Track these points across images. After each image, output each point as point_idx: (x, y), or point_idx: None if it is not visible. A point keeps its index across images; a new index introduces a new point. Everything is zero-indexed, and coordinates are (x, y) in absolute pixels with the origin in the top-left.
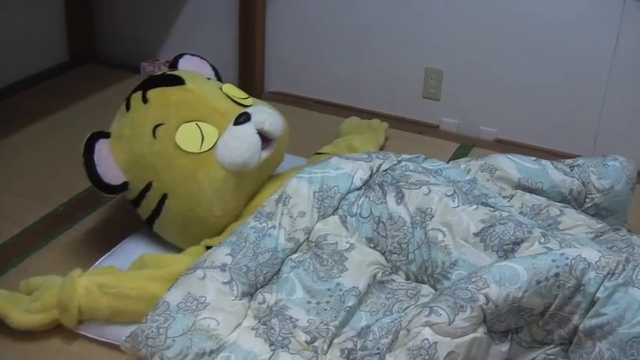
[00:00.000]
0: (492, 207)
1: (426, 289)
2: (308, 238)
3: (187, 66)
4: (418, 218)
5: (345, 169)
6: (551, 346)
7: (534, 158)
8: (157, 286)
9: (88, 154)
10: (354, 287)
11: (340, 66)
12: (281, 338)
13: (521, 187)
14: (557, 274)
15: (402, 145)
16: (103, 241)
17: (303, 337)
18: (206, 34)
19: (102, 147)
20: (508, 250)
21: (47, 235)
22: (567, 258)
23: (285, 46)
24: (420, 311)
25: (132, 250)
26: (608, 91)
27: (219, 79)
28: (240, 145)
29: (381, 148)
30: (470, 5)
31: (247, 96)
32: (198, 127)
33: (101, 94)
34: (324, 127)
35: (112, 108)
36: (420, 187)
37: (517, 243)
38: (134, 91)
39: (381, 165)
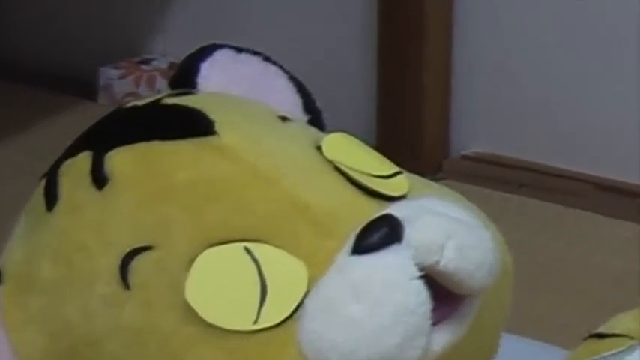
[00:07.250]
0: None
1: None
2: None
3: (224, 79)
4: None
5: None
6: None
7: None
8: None
9: None
10: None
11: None
12: None
13: None
14: None
15: None
16: None
17: None
18: (285, 6)
19: None
20: None
21: None
22: None
23: (501, 54)
24: None
25: None
26: None
27: (314, 120)
28: (369, 312)
29: None
30: None
31: (395, 169)
32: (251, 256)
33: None
34: (613, 258)
35: (17, 193)
36: None
37: None
38: (70, 151)
39: None
